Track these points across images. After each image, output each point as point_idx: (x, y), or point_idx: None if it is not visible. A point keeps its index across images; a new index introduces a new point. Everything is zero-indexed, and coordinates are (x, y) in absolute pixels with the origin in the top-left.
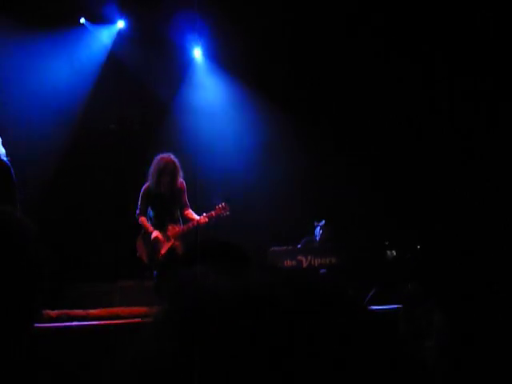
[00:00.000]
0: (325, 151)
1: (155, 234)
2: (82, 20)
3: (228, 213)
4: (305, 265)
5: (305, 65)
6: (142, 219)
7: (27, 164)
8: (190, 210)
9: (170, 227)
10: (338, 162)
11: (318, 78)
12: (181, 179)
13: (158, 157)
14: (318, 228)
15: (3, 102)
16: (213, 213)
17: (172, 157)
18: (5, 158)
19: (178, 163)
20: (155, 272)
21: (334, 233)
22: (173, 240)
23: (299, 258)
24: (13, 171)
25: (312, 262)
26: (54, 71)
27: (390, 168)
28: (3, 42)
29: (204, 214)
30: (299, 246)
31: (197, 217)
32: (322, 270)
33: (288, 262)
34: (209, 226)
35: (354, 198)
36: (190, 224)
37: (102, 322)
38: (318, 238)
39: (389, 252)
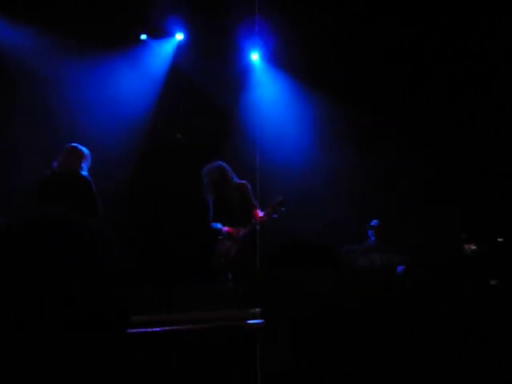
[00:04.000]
0: (386, 144)
1: (224, 237)
2: (143, 36)
3: (282, 209)
4: (378, 262)
5: (362, 60)
6: (212, 225)
7: (102, 173)
8: (255, 211)
9: (235, 229)
10: (404, 152)
11: (375, 71)
12: (242, 181)
13: (213, 165)
14: (371, 230)
15: (83, 115)
16: (269, 209)
17: (218, 164)
18: (85, 173)
19: (226, 168)
20: (229, 274)
21: (392, 230)
22: (241, 241)
23: (372, 256)
24: (93, 185)
25: (385, 260)
26: (124, 86)
27: (465, 153)
28: (80, 61)
29: (263, 213)
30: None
31: (259, 214)
32: (400, 268)
33: (361, 261)
34: (270, 223)
35: (419, 189)
36: (254, 224)
37: (186, 327)
38: (371, 237)
39: (466, 246)
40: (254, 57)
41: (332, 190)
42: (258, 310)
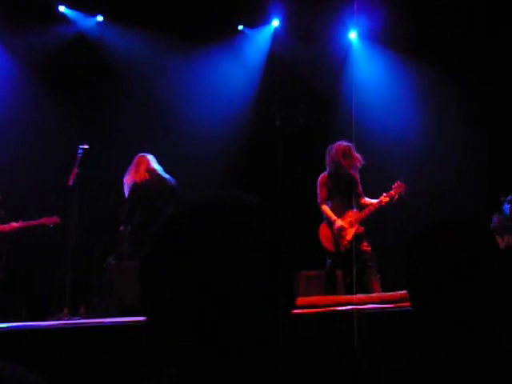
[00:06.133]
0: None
1: (339, 221)
2: (240, 27)
3: (404, 192)
4: (502, 245)
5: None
6: (324, 208)
7: (208, 162)
8: (366, 198)
9: (350, 213)
10: None
11: (481, 44)
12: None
13: (335, 145)
14: (506, 204)
15: (190, 109)
16: (392, 192)
17: (348, 144)
18: (166, 176)
19: (353, 149)
20: (329, 261)
21: None
22: (356, 225)
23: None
24: (176, 188)
25: (510, 242)
26: (226, 77)
27: None
28: (182, 56)
29: (384, 194)
30: (491, 224)
31: (374, 200)
32: None
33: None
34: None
35: None
36: (372, 207)
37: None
38: (508, 213)
39: None
40: (352, 35)
41: (440, 169)
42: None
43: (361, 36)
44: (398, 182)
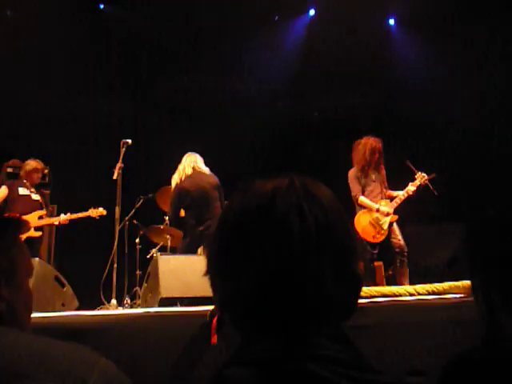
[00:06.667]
0: None
1: (383, 207)
2: (275, 18)
3: (429, 181)
4: None
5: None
6: (362, 198)
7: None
8: (390, 190)
9: (384, 202)
10: None
11: None
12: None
13: (364, 140)
14: None
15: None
16: (417, 181)
17: (376, 138)
18: (210, 172)
19: (381, 144)
20: (368, 252)
21: None
22: (392, 214)
23: None
24: (219, 184)
25: None
26: (263, 68)
27: None
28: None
29: (410, 184)
30: None
31: (399, 192)
32: None
33: None
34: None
35: None
36: (402, 196)
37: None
38: None
39: None
40: (391, 21)
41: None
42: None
43: (399, 22)
44: (421, 173)
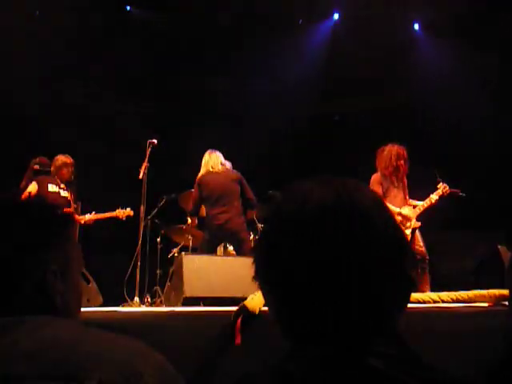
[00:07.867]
0: None
1: (405, 210)
2: (300, 21)
3: (450, 190)
4: None
5: None
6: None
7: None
8: (410, 200)
9: (406, 208)
10: None
11: None
12: None
13: (388, 146)
14: None
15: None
16: (439, 191)
17: (400, 146)
18: (233, 170)
19: (405, 151)
20: None
21: None
22: (414, 220)
23: None
24: (242, 181)
25: None
26: (288, 71)
27: None
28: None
29: (433, 193)
30: None
31: (419, 202)
32: None
33: None
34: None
35: None
36: (426, 204)
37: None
38: None
39: None
40: (416, 26)
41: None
42: None
43: (424, 27)
44: (444, 184)
